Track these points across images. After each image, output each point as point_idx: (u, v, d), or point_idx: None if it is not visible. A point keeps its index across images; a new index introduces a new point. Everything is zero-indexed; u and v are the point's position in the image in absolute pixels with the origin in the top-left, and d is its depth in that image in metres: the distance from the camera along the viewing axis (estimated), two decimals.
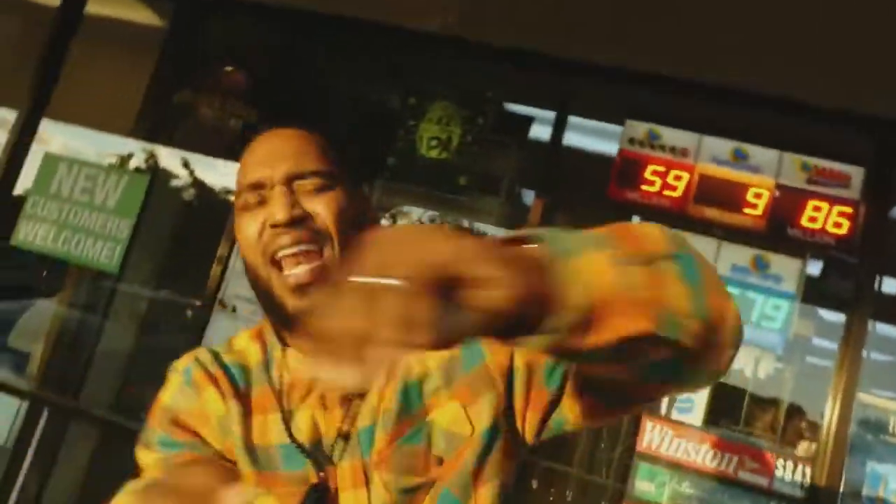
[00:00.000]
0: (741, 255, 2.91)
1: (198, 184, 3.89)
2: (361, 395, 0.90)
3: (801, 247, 2.88)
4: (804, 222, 2.88)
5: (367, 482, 0.85)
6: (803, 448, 2.85)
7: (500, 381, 0.89)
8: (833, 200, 2.87)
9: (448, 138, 3.24)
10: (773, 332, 2.85)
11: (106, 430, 3.45)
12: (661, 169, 3.02)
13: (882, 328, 2.99)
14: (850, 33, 2.59)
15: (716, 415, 2.94)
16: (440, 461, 0.85)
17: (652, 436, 2.85)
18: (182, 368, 1.00)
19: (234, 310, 3.20)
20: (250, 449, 0.90)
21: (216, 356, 0.99)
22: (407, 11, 3.06)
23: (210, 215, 3.79)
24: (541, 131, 3.38)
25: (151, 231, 3.60)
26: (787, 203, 2.90)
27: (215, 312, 3.21)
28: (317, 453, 0.88)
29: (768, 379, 2.92)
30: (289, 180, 0.91)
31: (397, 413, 0.88)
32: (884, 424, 2.76)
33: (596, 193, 3.12)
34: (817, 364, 2.93)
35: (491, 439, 0.87)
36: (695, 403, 2.96)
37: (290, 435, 0.90)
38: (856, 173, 2.88)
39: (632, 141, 3.07)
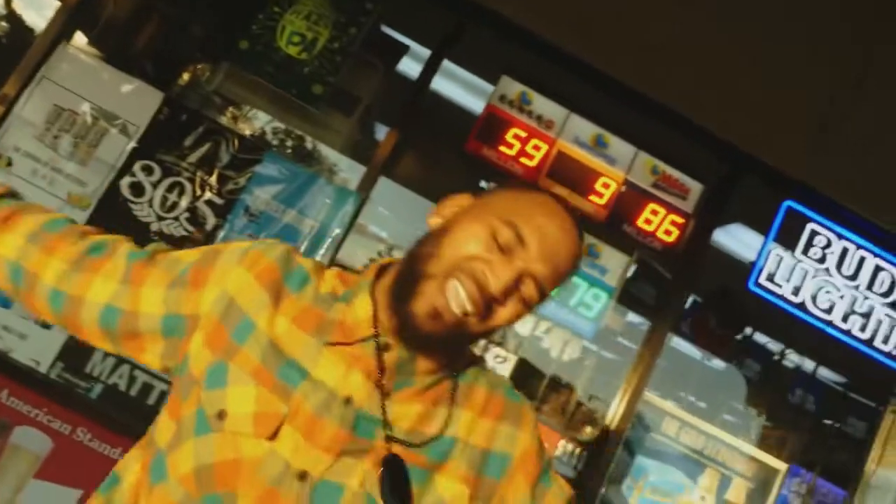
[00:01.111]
0: None
1: None
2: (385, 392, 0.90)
3: (631, 245, 2.96)
4: (640, 222, 2.95)
5: (356, 455, 0.87)
6: (585, 433, 2.96)
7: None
8: (670, 208, 2.97)
9: (313, 39, 2.90)
10: (588, 321, 2.91)
11: None
12: (523, 134, 2.94)
13: (676, 340, 3.18)
14: (731, 58, 2.65)
15: (518, 383, 2.96)
16: None
17: None
18: (252, 243, 0.96)
19: (9, 163, 2.65)
20: (268, 342, 0.89)
21: (290, 254, 0.96)
22: None
23: None
24: (412, 66, 3.15)
25: None
26: (630, 200, 2.96)
27: None
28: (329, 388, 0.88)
29: (570, 363, 3.00)
30: (532, 276, 0.89)
31: (413, 442, 0.89)
32: (657, 424, 2.93)
33: (453, 143, 2.97)
34: (615, 359, 3.05)
35: None
36: (501, 372, 2.96)
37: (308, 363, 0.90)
38: (696, 188, 2.99)
39: (502, 98, 2.96)
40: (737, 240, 3.63)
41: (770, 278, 3.00)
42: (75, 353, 2.62)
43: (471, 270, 0.85)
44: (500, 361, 2.95)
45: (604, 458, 2.81)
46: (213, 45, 2.88)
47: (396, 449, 0.87)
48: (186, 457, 0.85)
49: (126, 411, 2.61)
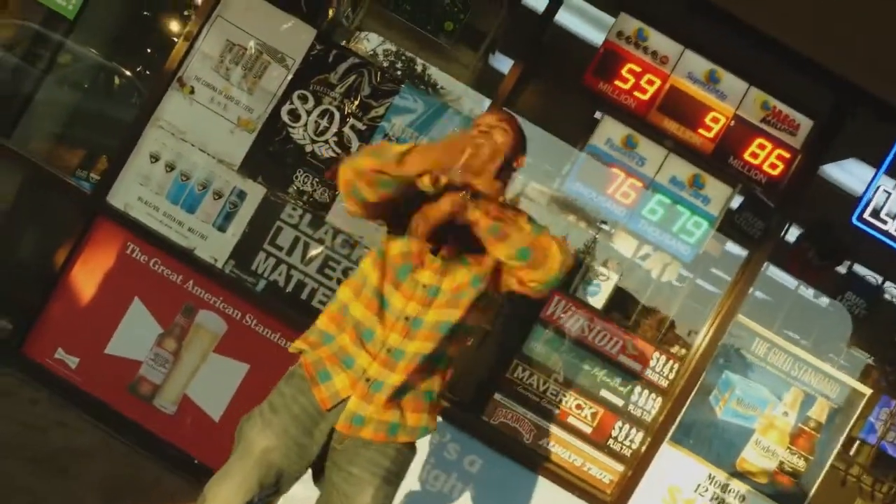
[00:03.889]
0: (683, 170, 3.13)
1: None
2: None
3: (736, 177, 3.13)
4: (746, 156, 3.11)
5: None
6: (677, 349, 3.25)
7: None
8: (777, 143, 3.11)
9: None
10: (688, 246, 3.15)
11: (31, 174, 3.40)
12: (637, 69, 3.13)
13: (772, 270, 3.35)
14: None
15: (616, 303, 3.28)
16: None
17: (556, 307, 3.16)
18: None
19: (192, 91, 3.16)
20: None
21: None
22: None
23: None
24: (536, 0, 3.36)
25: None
26: (739, 134, 3.11)
27: (171, 91, 3.16)
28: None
29: (669, 284, 3.26)
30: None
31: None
32: (747, 344, 3.17)
33: (571, 76, 3.20)
34: (710, 290, 3.27)
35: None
36: (601, 290, 3.28)
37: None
38: (805, 124, 3.10)
39: (620, 35, 3.14)
40: (846, 173, 3.68)
41: (875, 213, 3.10)
42: (245, 253, 3.16)
43: None
44: (604, 279, 3.25)
45: (694, 372, 3.10)
46: None
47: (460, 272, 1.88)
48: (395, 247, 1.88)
49: (284, 302, 3.15)
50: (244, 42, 3.15)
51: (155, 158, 3.17)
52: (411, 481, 3.13)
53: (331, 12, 3.36)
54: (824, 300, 3.48)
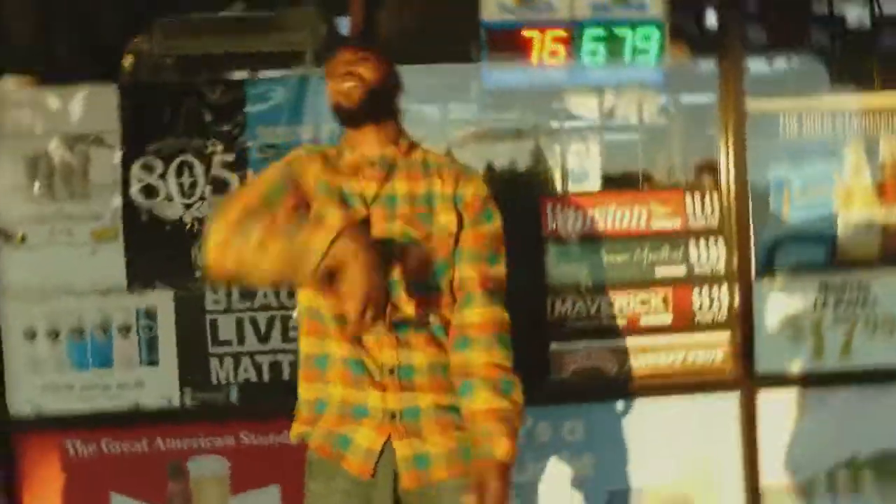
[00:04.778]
0: None
1: None
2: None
3: None
4: None
5: (390, 219, 1.54)
6: (706, 180, 2.69)
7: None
8: None
9: None
10: (649, 68, 2.58)
11: None
12: None
13: (754, 32, 2.80)
14: None
15: (612, 174, 2.70)
16: (429, 236, 1.55)
17: (554, 218, 2.58)
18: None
19: (23, 238, 2.47)
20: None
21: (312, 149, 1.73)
22: None
23: None
24: None
25: None
26: None
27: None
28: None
29: (655, 120, 2.70)
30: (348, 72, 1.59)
31: (416, 201, 1.58)
32: (774, 126, 2.64)
33: None
34: (704, 102, 2.69)
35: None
36: (587, 170, 2.71)
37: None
38: None
39: None
40: None
41: None
42: (195, 372, 2.51)
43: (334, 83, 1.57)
44: (583, 158, 2.68)
45: (738, 193, 2.56)
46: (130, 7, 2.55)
47: (406, 207, 1.55)
48: None
49: (271, 394, 2.52)
50: (43, 146, 2.47)
51: (30, 335, 2.49)
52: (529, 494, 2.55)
53: (127, 57, 2.69)
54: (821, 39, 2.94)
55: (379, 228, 1.51)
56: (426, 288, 1.53)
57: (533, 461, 2.55)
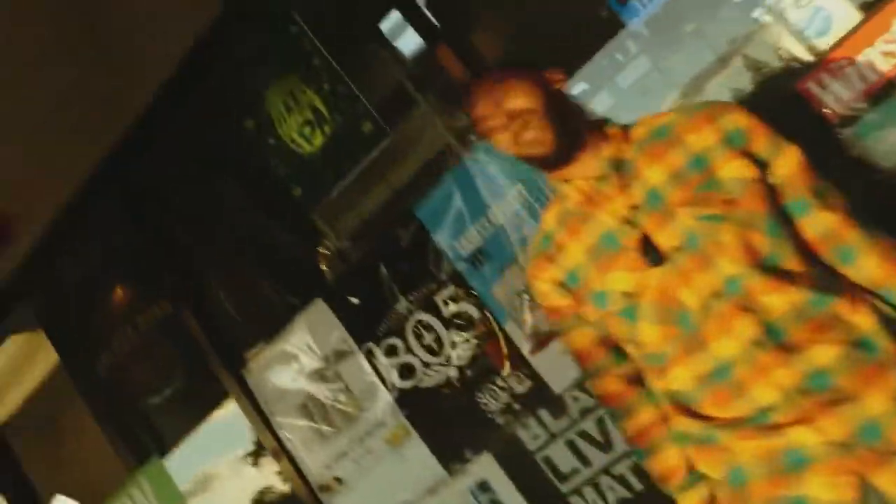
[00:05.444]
0: None
1: None
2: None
3: None
4: None
5: (670, 217, 1.14)
6: None
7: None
8: None
9: (313, 111, 2.39)
10: None
11: None
12: None
13: None
14: None
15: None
16: (729, 202, 1.12)
17: (820, 74, 1.79)
18: None
19: (339, 481, 2.38)
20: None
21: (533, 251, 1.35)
22: None
23: None
24: None
25: None
26: None
27: None
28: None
29: None
30: (509, 112, 1.23)
31: (683, 175, 1.15)
32: None
33: None
34: None
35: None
36: (827, 18, 1.90)
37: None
38: None
39: None
40: None
41: None
42: None
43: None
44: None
45: None
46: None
47: (677, 192, 1.15)
48: (645, 328, 1.16)
49: None
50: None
51: None
52: None
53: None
54: None
55: (664, 235, 1.14)
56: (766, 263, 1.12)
57: None
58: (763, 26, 1.85)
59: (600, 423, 2.03)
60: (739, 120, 1.18)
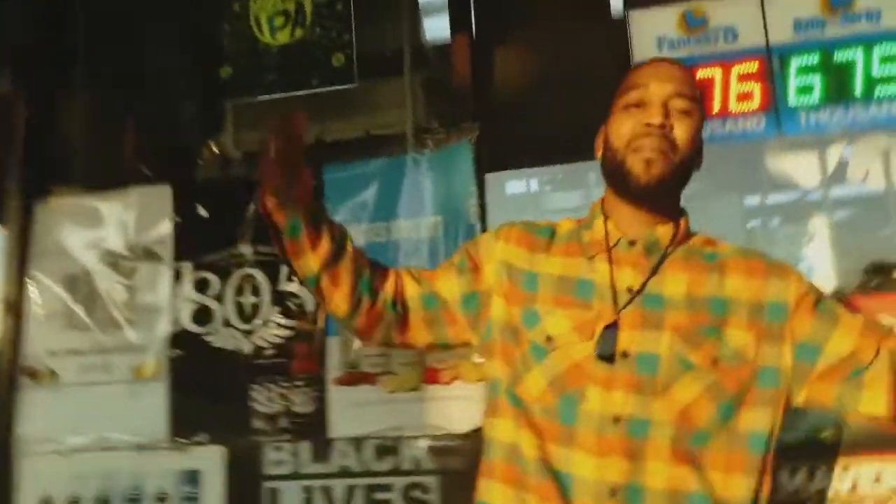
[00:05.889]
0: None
1: None
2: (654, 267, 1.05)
3: None
4: None
5: (654, 328, 1.01)
6: None
7: (789, 351, 1.01)
8: None
9: (297, 7, 2.07)
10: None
11: None
12: None
13: None
14: None
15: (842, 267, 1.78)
16: (716, 362, 0.98)
17: None
18: (499, 226, 1.20)
19: (53, 374, 1.97)
20: (555, 278, 1.09)
21: (526, 222, 1.19)
22: None
23: None
24: None
25: None
26: None
27: (22, 392, 1.98)
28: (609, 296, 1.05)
29: None
30: (667, 96, 1.04)
31: (698, 306, 1.02)
32: None
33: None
34: None
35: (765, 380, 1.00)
36: (808, 261, 1.81)
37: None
38: None
39: None
40: None
41: None
42: None
43: (633, 136, 1.03)
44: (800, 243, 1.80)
45: None
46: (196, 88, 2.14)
47: (681, 315, 1.00)
48: (537, 379, 1.02)
49: None
50: (82, 264, 2.01)
51: None
52: None
53: (195, 161, 2.24)
54: None
55: (632, 341, 1.00)
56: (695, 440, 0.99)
57: None
58: None
59: (350, 491, 1.78)
60: (787, 288, 1.02)
